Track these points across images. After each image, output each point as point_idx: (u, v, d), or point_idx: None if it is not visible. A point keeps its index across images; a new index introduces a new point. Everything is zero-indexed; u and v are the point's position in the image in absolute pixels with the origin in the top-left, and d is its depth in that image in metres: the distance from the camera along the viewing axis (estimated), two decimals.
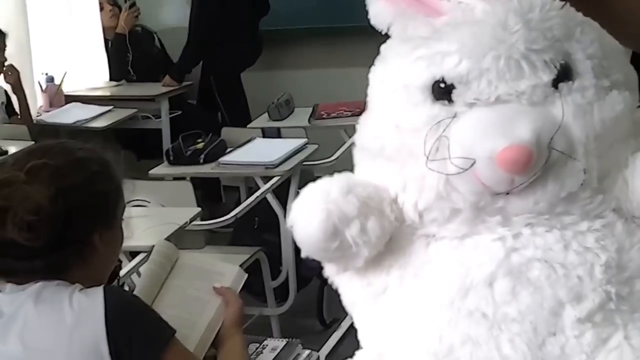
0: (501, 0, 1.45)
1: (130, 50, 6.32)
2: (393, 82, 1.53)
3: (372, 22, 1.55)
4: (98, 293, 1.75)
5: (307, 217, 1.47)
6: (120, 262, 2.06)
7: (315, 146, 4.39)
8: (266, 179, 4.10)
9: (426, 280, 1.49)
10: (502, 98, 1.43)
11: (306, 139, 4.48)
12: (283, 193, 4.15)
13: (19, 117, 5.29)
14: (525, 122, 1.40)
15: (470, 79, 1.44)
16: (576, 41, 1.48)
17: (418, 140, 1.46)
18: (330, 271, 1.60)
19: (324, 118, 5.08)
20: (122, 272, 2.50)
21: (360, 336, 1.61)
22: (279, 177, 4.07)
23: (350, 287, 1.59)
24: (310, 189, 1.51)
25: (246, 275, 2.22)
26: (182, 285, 2.14)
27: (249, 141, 4.50)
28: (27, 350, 1.72)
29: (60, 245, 1.76)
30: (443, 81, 1.46)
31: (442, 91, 1.46)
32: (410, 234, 1.52)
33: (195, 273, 2.18)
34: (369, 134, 1.57)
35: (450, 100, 1.45)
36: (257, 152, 4.32)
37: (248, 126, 5.14)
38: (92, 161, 1.86)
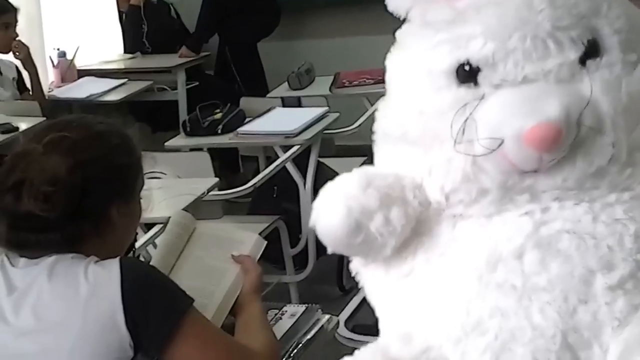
0: None
1: (146, 22, 6.32)
2: (415, 68, 1.54)
3: (390, 8, 1.56)
4: (114, 264, 1.77)
5: (328, 216, 1.49)
6: (136, 233, 2.07)
7: (337, 114, 4.38)
8: (286, 148, 4.11)
9: (452, 257, 1.50)
10: (529, 78, 1.44)
11: (327, 108, 4.48)
12: (303, 162, 4.16)
13: (30, 93, 5.30)
14: (554, 100, 1.40)
15: (497, 61, 1.44)
16: (603, 16, 1.48)
17: (443, 124, 1.46)
18: (357, 264, 1.61)
19: (345, 86, 5.08)
20: (137, 244, 2.53)
21: (382, 322, 1.61)
22: (299, 146, 4.08)
23: (375, 272, 1.59)
24: (329, 187, 1.53)
25: (265, 243, 2.24)
26: (200, 255, 2.17)
27: (268, 111, 4.50)
28: (41, 323, 1.74)
29: (76, 217, 1.78)
30: (468, 64, 1.46)
31: (466, 74, 1.46)
32: (436, 216, 1.53)
33: (214, 242, 2.20)
34: (391, 120, 1.58)
35: (475, 83, 1.46)
36: (276, 121, 4.32)
37: (267, 96, 5.15)
38: (112, 135, 1.88)
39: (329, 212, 1.49)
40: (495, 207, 1.49)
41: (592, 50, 1.46)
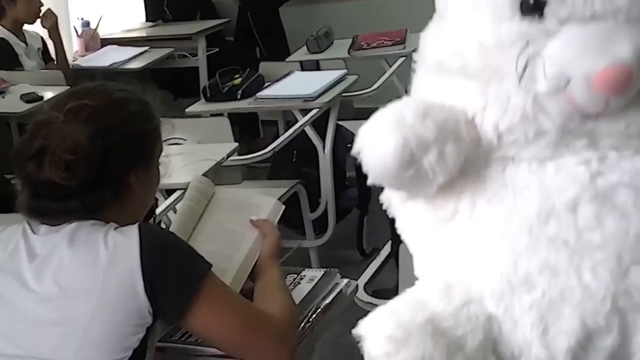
0: None
1: None
2: None
3: None
4: (133, 230, 1.74)
5: (380, 144, 1.41)
6: (157, 199, 2.05)
7: (355, 77, 4.34)
8: (305, 111, 4.06)
9: (501, 204, 1.44)
10: (598, 14, 1.37)
11: (345, 70, 4.43)
12: (322, 125, 4.12)
13: (55, 62, 5.30)
14: (625, 40, 1.34)
15: None
16: None
17: (505, 58, 1.40)
18: (395, 198, 1.54)
19: (364, 49, 5.05)
20: (158, 210, 2.50)
21: (419, 264, 1.56)
22: (317, 109, 4.02)
23: (415, 213, 1.53)
24: (382, 113, 1.44)
25: (283, 207, 2.21)
26: (219, 220, 2.14)
27: (287, 75, 4.46)
28: (62, 290, 1.72)
29: (96, 185, 1.76)
30: None
31: (532, 6, 1.39)
32: (485, 157, 1.47)
33: (232, 206, 2.17)
34: (448, 49, 1.49)
35: (541, 16, 1.39)
36: (295, 85, 4.28)
37: (286, 60, 5.11)
38: (131, 102, 1.86)
39: (381, 140, 1.40)
40: (550, 151, 1.43)
41: None
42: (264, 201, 2.20)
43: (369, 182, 1.47)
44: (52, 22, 5.23)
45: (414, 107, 1.43)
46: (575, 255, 1.38)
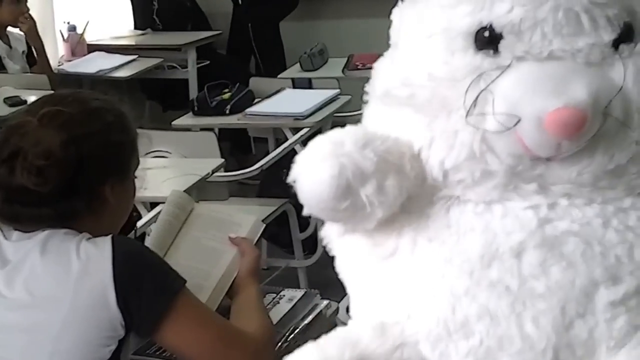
0: None
1: None
2: (430, 25, 1.42)
3: None
4: (106, 242, 1.77)
5: (315, 172, 1.36)
6: (138, 212, 2.07)
7: (348, 97, 4.35)
8: (295, 130, 4.09)
9: (443, 245, 1.40)
10: (556, 54, 1.33)
11: (338, 90, 4.44)
12: None
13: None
14: (582, 82, 1.30)
15: (523, 30, 1.33)
16: None
17: (455, 92, 1.36)
18: (332, 231, 1.51)
19: (359, 69, 5.01)
20: (140, 223, 2.52)
21: (354, 304, 1.53)
22: (308, 129, 4.04)
23: (353, 249, 1.50)
24: (320, 140, 1.40)
25: (263, 226, 2.24)
26: (197, 236, 2.17)
27: (278, 92, 4.48)
28: (33, 297, 1.75)
29: (69, 193, 1.78)
30: (491, 29, 1.35)
31: (487, 40, 1.35)
32: (429, 195, 1.42)
33: (212, 223, 2.20)
34: (396, 80, 1.45)
35: (495, 51, 1.35)
36: (286, 102, 4.30)
37: (278, 76, 5.12)
38: (108, 112, 1.88)
39: (317, 168, 1.35)
40: (497, 194, 1.39)
41: (626, 34, 1.36)
42: (244, 219, 2.24)
43: (304, 212, 1.42)
44: (29, 26, 5.21)
45: (354, 135, 1.39)
46: (517, 303, 1.34)
